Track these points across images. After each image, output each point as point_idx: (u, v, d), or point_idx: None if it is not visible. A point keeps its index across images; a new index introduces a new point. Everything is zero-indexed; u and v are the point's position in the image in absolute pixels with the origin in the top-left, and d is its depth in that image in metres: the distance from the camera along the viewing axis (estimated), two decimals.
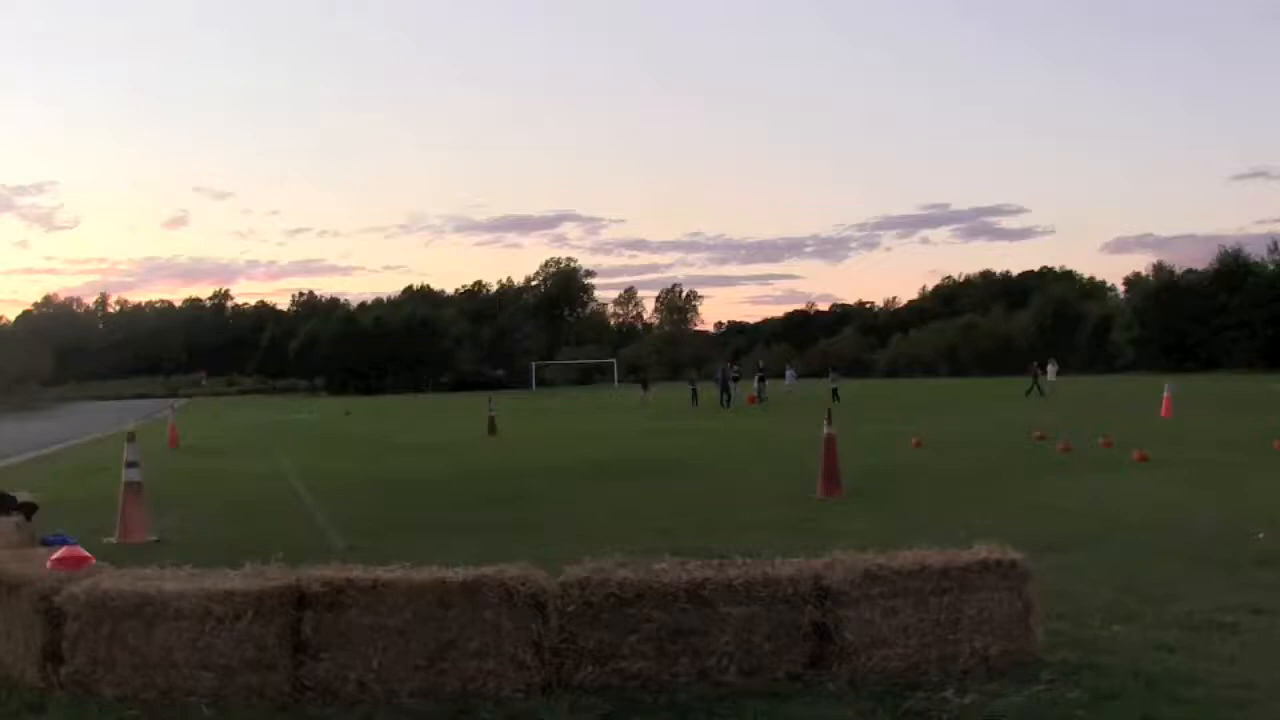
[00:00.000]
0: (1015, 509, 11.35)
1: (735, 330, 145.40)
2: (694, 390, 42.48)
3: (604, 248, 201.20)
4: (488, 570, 5.52)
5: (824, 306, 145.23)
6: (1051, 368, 46.35)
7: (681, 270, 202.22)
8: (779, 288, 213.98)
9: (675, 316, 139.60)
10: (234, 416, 49.70)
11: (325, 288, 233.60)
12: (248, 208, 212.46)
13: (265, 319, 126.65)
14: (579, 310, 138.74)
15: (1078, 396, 40.70)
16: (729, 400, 39.39)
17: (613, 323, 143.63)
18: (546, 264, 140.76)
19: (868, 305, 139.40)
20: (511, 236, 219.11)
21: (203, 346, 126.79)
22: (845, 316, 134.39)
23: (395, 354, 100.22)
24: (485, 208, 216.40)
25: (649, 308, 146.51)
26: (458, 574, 5.47)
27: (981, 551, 5.79)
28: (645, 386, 47.74)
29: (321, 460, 20.75)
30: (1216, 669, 5.55)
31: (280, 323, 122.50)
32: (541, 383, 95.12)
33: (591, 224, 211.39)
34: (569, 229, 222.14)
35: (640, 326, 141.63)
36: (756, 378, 44.81)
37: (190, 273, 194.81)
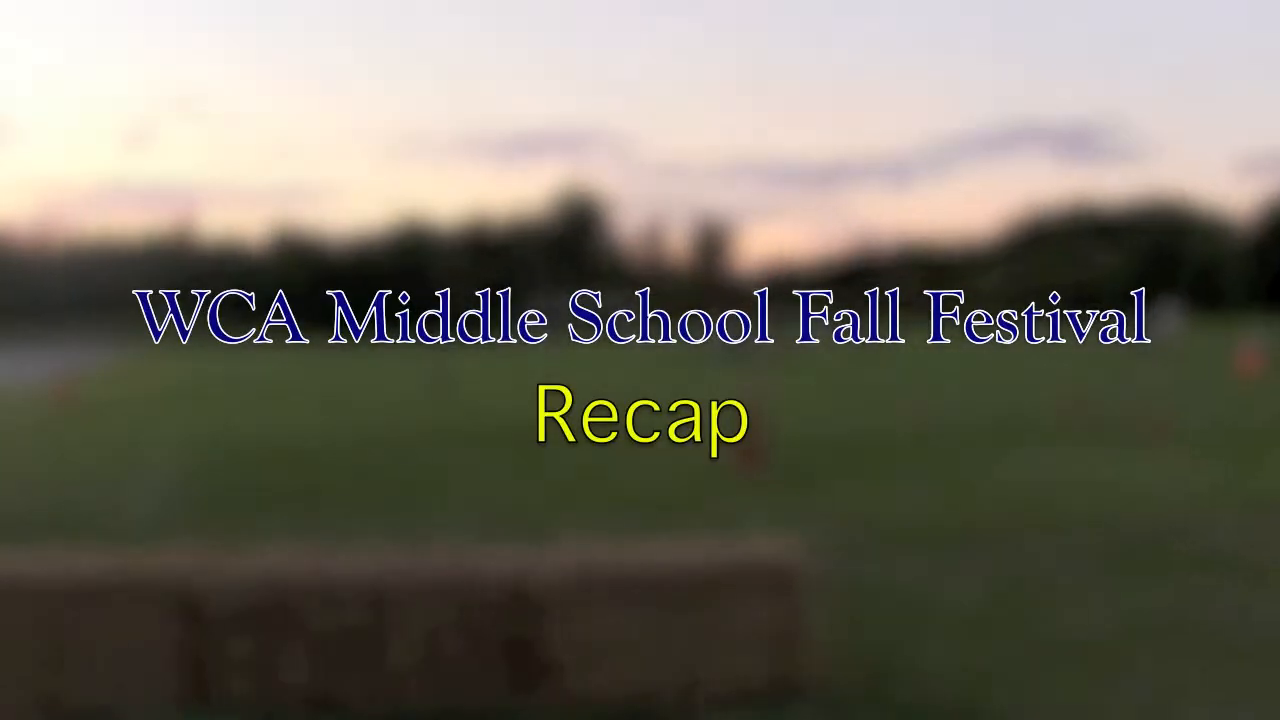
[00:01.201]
0: (954, 492, 11.04)
1: (783, 272, 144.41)
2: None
3: (635, 172, 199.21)
4: (131, 563, 5.34)
5: (886, 243, 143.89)
6: (1168, 314, 44.29)
7: (723, 199, 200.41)
8: (835, 220, 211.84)
9: (709, 255, 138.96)
10: (169, 370, 50.00)
11: (307, 215, 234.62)
12: (221, 124, 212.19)
13: (234, 255, 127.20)
14: (596, 247, 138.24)
15: (1161, 347, 39.95)
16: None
17: (633, 262, 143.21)
18: (561, 191, 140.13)
19: (937, 242, 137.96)
20: (526, 158, 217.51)
21: (163, 285, 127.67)
22: (912, 255, 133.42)
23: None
24: (497, 125, 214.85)
25: (680, 244, 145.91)
26: (89, 568, 5.28)
27: (746, 553, 5.51)
28: None
29: (216, 423, 20.75)
30: (1028, 707, 5.26)
31: (249, 260, 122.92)
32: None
33: (621, 143, 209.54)
34: (594, 150, 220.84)
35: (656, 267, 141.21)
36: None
37: (151, 199, 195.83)
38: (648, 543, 5.73)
